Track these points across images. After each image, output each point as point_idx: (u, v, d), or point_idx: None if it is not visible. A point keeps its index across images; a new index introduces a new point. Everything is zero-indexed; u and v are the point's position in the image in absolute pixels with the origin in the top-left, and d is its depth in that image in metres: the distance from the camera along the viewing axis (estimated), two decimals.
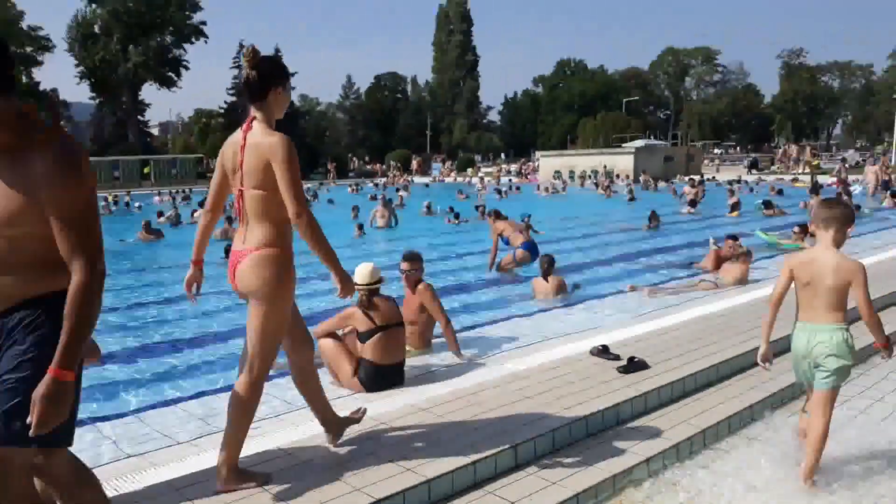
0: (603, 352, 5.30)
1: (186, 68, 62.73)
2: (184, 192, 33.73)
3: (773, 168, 45.39)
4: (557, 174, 41.81)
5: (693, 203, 20.27)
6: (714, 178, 36.99)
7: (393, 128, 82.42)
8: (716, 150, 76.64)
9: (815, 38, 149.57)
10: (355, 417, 3.88)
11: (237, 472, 3.27)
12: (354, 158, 65.05)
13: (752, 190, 28.66)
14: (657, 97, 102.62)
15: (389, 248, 14.00)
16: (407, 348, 5.33)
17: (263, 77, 3.16)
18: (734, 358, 5.31)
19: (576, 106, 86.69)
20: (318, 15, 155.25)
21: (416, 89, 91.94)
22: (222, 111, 61.14)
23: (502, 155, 77.12)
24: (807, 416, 3.70)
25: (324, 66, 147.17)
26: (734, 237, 10.22)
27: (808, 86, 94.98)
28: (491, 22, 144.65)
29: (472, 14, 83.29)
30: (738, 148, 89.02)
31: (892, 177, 24.60)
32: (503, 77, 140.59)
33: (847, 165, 39.22)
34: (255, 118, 3.20)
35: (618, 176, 38.16)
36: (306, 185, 36.87)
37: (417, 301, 5.78)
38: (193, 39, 61.98)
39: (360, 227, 16.03)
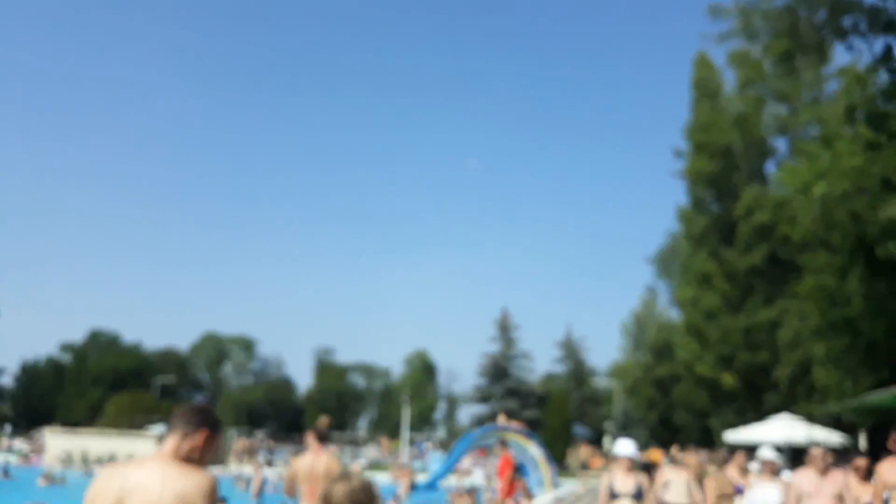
0: None
1: None
2: None
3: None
4: (68, 458, 36.54)
5: None
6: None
7: None
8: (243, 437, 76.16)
9: (345, 337, 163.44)
10: None
11: None
12: None
13: (274, 487, 28.16)
14: (195, 380, 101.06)
15: None
16: None
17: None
18: None
19: (107, 381, 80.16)
20: None
21: None
22: None
23: (6, 427, 65.18)
24: None
25: None
26: None
27: (338, 382, 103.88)
28: (14, 276, 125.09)
29: None
30: (273, 440, 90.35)
31: None
32: (24, 338, 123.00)
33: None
34: None
35: None
36: None
37: None
38: None
39: None
